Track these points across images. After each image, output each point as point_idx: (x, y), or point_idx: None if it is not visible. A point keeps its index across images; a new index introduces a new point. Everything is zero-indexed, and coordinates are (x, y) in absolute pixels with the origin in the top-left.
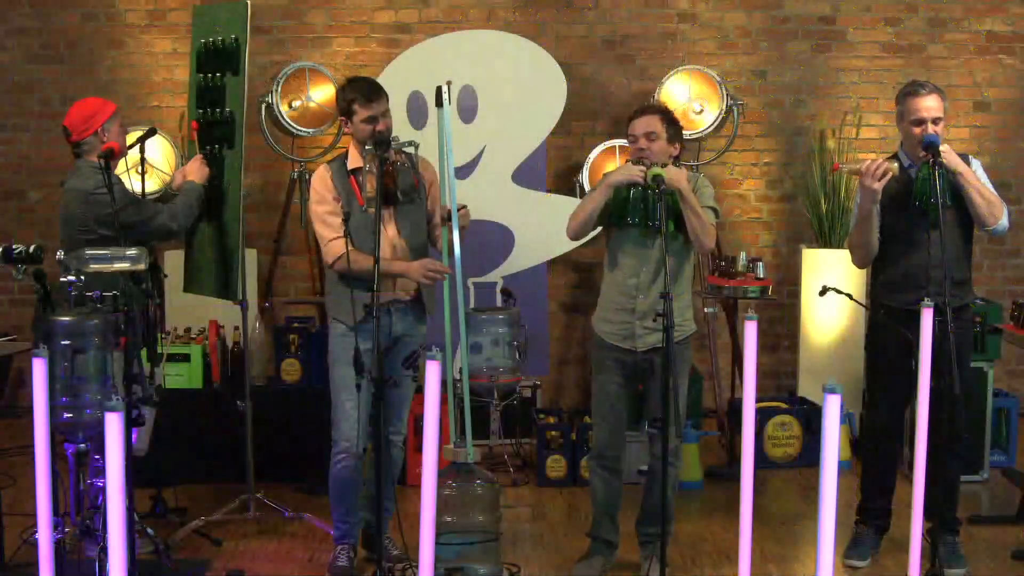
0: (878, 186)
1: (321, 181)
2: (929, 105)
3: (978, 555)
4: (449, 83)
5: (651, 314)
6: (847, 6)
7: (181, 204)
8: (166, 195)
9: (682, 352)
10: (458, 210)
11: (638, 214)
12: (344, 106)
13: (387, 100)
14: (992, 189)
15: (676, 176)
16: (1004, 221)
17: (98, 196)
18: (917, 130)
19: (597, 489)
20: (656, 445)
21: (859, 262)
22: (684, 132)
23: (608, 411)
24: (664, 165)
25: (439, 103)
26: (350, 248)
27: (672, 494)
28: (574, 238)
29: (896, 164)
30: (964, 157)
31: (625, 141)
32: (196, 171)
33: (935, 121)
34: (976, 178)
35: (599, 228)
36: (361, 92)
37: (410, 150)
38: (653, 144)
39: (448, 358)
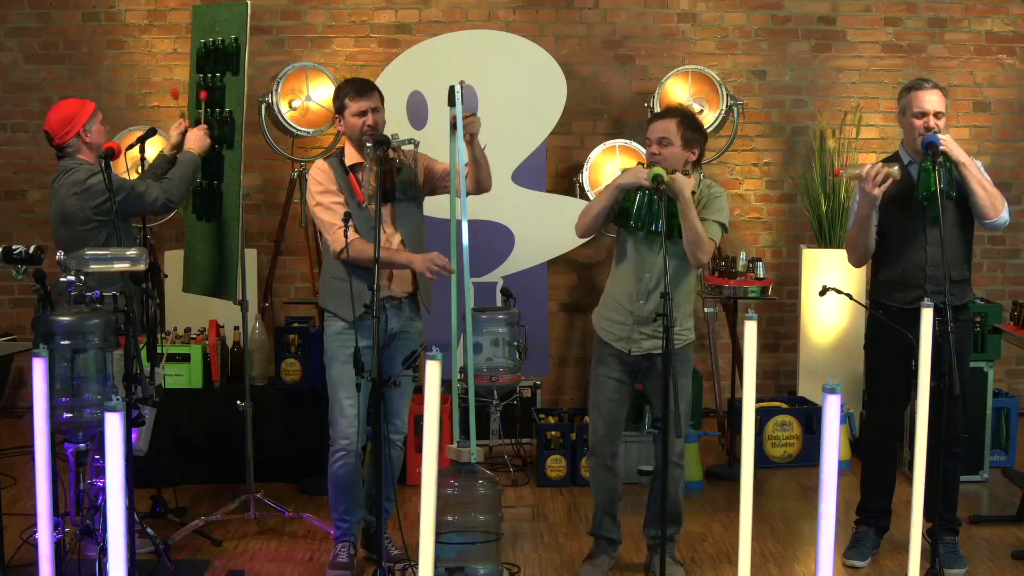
0: (878, 192)
1: (322, 172)
2: (932, 99)
3: (978, 555)
4: (463, 82)
5: (649, 321)
6: (847, 6)
7: (177, 177)
8: (158, 162)
9: (685, 353)
10: (465, 118)
11: (641, 219)
12: (338, 104)
13: (380, 98)
14: (992, 184)
15: (682, 183)
16: (1005, 215)
17: (91, 184)
18: (919, 122)
19: (597, 487)
20: (659, 446)
21: (855, 262)
22: None
23: (604, 403)
24: (673, 171)
25: (451, 102)
26: (355, 237)
27: (680, 496)
28: (582, 236)
29: (897, 168)
30: None
31: (625, 141)
32: (196, 140)
33: (937, 115)
34: (979, 170)
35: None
36: (353, 87)
37: (409, 148)
38: (665, 150)
39: (453, 355)
